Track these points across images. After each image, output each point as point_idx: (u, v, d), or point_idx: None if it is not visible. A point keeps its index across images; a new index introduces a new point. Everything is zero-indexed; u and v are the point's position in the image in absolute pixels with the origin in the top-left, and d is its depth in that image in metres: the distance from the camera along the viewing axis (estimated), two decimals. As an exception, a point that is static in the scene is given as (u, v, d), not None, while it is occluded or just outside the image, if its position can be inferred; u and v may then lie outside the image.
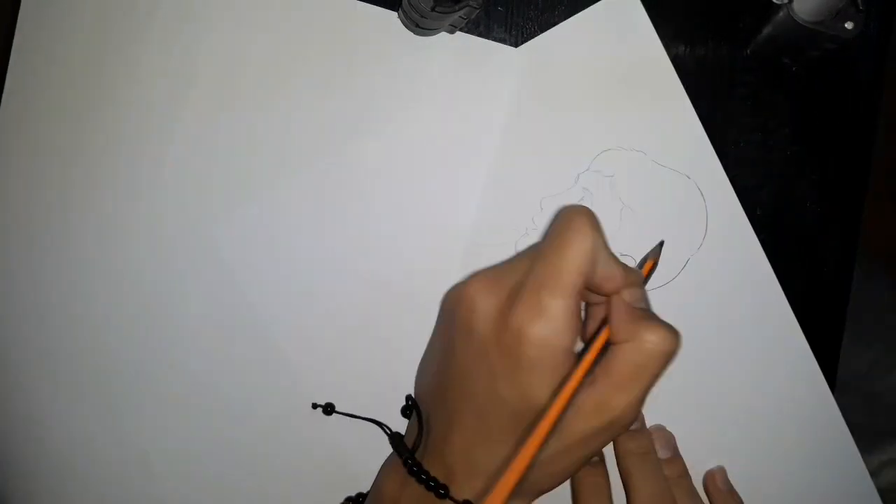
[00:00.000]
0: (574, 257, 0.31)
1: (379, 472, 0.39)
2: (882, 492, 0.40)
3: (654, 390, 0.33)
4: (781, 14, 0.36)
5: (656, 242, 0.39)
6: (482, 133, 0.40)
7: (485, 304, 0.33)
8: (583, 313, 0.36)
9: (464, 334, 0.33)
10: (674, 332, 0.32)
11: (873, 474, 0.40)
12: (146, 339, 0.40)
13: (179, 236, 0.40)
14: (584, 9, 0.40)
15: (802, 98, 0.42)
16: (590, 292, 0.34)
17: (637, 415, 0.33)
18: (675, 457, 0.40)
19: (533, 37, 0.40)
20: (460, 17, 0.37)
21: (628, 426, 0.33)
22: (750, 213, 0.41)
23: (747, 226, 0.40)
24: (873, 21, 0.41)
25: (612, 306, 0.33)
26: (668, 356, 0.32)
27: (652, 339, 0.31)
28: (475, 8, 0.36)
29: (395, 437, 0.38)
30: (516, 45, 0.40)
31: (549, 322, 0.31)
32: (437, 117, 0.40)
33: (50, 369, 0.41)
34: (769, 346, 0.41)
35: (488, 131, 0.40)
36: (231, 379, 0.40)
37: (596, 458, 0.40)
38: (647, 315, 0.33)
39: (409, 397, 0.40)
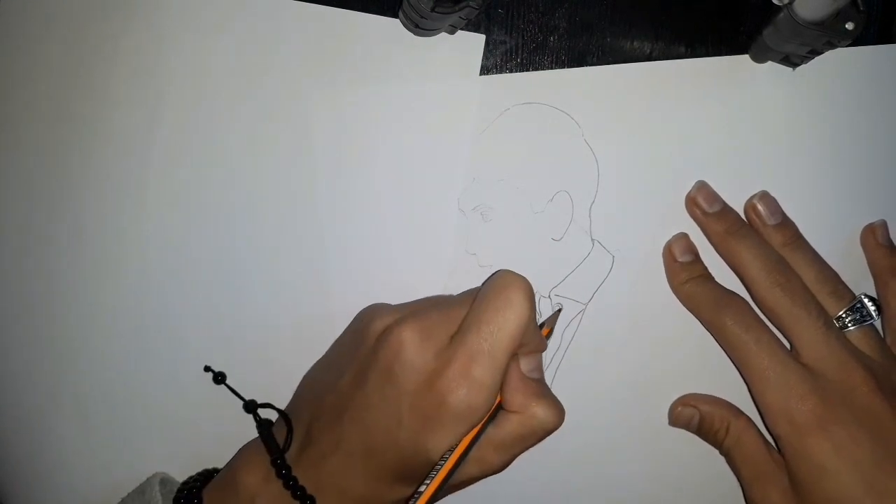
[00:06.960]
0: (510, 334, 0.32)
1: (237, 457, 0.37)
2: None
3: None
4: (782, 15, 0.36)
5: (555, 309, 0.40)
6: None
7: (412, 357, 0.32)
8: None
9: (381, 375, 0.33)
10: (559, 410, 0.33)
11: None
12: (129, 337, 0.40)
13: (164, 238, 0.40)
14: (584, 10, 0.40)
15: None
16: None
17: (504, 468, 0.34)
18: (785, 221, 0.39)
19: (534, 39, 0.41)
20: (460, 17, 0.37)
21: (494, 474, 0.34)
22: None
23: None
24: (874, 22, 0.41)
25: (509, 375, 0.33)
26: (549, 433, 0.34)
27: (539, 417, 0.33)
28: (475, 9, 0.36)
29: (264, 426, 0.37)
30: (515, 48, 0.41)
31: (474, 395, 0.32)
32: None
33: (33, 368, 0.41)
34: None
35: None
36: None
37: (726, 291, 0.38)
38: (539, 389, 0.34)
39: (283, 414, 0.37)
